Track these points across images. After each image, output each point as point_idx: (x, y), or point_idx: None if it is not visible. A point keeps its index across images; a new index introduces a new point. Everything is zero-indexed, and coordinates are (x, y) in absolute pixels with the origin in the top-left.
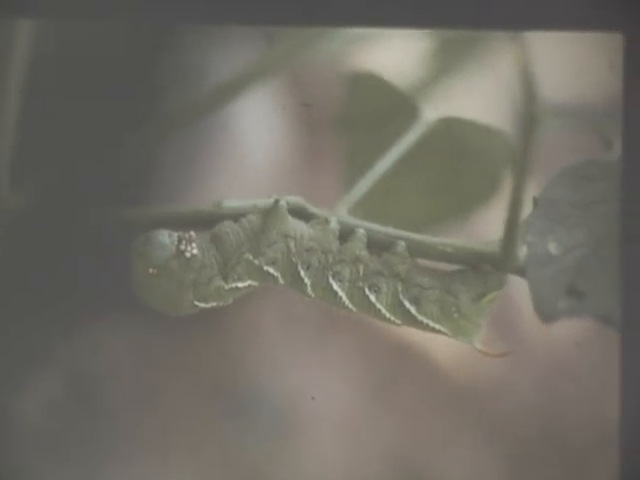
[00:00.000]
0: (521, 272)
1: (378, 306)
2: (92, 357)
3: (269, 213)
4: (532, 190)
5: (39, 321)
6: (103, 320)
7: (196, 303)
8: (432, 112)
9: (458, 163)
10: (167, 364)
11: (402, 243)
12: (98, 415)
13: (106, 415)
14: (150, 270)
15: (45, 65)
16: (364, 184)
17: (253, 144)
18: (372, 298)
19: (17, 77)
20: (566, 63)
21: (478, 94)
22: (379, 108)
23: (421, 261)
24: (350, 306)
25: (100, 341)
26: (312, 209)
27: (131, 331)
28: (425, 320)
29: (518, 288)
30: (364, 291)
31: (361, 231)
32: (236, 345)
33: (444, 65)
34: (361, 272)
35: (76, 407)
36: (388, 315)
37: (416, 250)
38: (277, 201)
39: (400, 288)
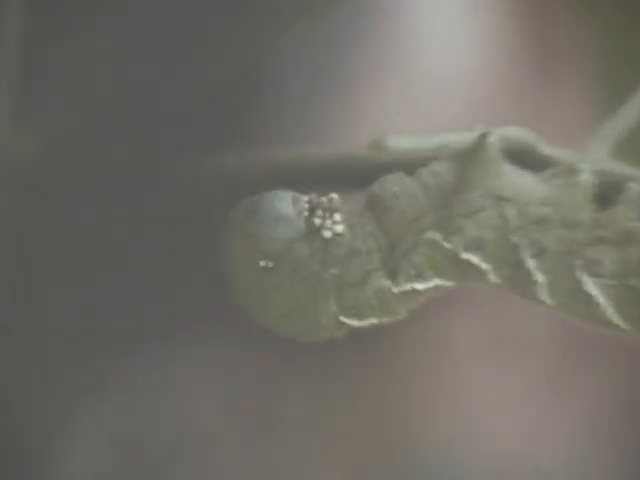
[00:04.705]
0: None
1: None
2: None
3: (469, 158)
4: None
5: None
6: (176, 340)
7: (342, 319)
8: None
9: None
10: (286, 404)
11: None
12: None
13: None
14: (262, 261)
15: None
16: (632, 109)
17: (435, 43)
18: None
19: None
20: None
21: None
22: None
23: None
24: (618, 321)
25: (172, 371)
26: (546, 149)
27: (223, 360)
28: None
29: None
30: None
31: (635, 187)
32: (410, 385)
33: None
34: (637, 261)
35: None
36: None
37: None
38: (484, 136)
39: None
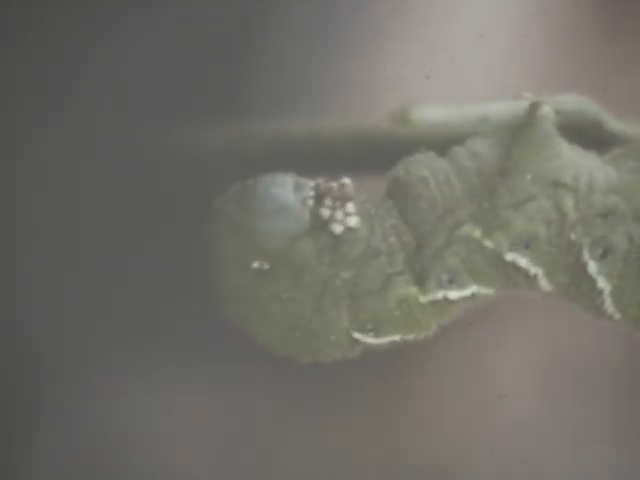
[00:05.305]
0: None
1: None
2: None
3: (517, 134)
4: None
5: None
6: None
7: (356, 335)
8: None
9: None
10: (283, 438)
11: None
12: None
13: None
14: (255, 262)
15: None
16: None
17: None
18: None
19: None
20: None
21: None
22: None
23: None
24: None
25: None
26: (613, 124)
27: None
28: None
29: None
30: None
31: None
32: (446, 426)
33: None
34: None
35: None
36: None
37: None
38: (535, 107)
39: None
